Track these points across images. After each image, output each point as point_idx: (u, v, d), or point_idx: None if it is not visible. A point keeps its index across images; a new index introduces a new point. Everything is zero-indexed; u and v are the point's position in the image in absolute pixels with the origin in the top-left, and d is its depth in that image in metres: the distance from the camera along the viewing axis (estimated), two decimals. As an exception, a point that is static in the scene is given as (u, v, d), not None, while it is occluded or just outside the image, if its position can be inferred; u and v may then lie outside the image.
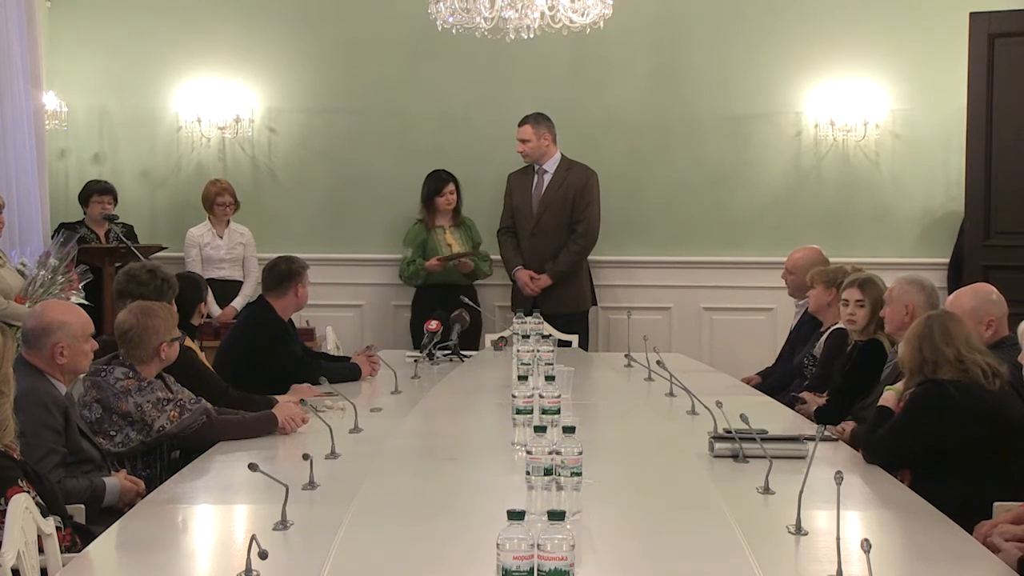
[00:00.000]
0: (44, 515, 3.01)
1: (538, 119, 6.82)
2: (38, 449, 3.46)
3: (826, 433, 3.78)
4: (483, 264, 7.05)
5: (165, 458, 4.03)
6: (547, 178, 6.88)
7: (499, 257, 7.06)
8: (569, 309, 6.83)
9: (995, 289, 4.33)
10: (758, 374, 5.82)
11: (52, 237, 6.83)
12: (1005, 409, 3.67)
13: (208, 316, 6.04)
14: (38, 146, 6.63)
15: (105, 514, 3.48)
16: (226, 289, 6.90)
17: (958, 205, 6.98)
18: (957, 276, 6.77)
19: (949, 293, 4.85)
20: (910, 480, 3.68)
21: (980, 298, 4.25)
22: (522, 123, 6.83)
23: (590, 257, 7.05)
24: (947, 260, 7.05)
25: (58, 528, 3.09)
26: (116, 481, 3.64)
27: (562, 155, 6.90)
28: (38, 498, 3.07)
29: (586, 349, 6.72)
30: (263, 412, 4.19)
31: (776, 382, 5.54)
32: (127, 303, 4.34)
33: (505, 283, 7.15)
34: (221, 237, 7.04)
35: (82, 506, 3.46)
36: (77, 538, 3.19)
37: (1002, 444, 3.62)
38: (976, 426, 3.62)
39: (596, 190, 6.88)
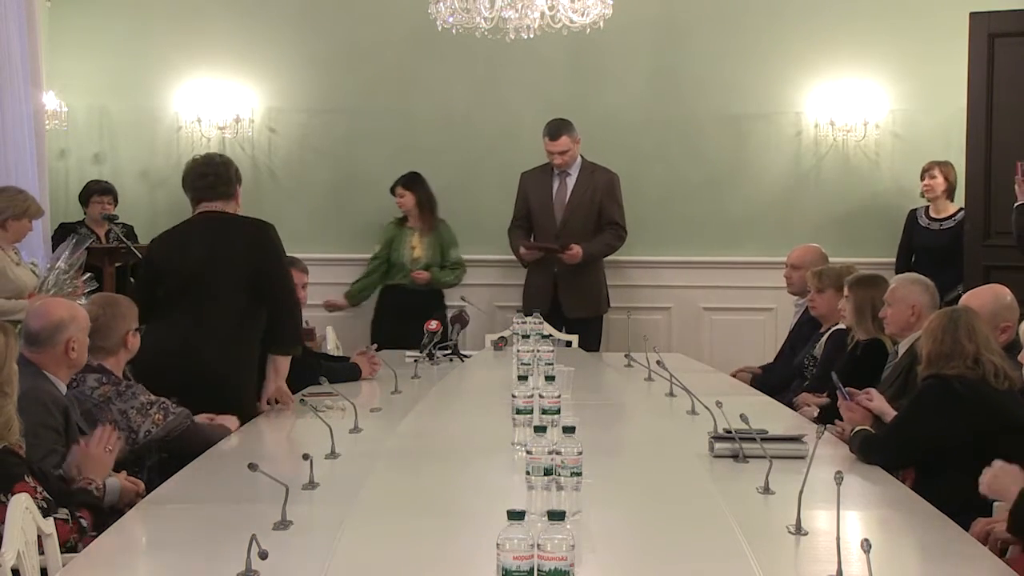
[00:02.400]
0: (52, 511, 3.02)
1: (569, 126, 6.71)
2: (38, 449, 3.45)
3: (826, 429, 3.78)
4: (445, 276, 6.97)
5: (154, 461, 4.01)
6: (571, 181, 6.80)
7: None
8: (590, 312, 6.79)
9: (1009, 291, 4.31)
10: (760, 367, 5.82)
11: (52, 237, 6.85)
12: (1010, 407, 3.65)
13: None
14: (38, 146, 6.63)
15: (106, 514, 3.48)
16: None
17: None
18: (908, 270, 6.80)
19: None
20: (914, 479, 3.68)
21: (998, 302, 4.21)
22: (556, 135, 6.66)
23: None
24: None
25: (65, 521, 3.09)
26: (116, 481, 3.63)
27: (582, 157, 6.86)
28: (45, 494, 3.07)
29: (597, 350, 6.68)
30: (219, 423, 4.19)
31: (776, 382, 5.53)
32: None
33: (505, 283, 7.13)
34: None
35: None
36: (85, 523, 3.18)
37: (1006, 443, 3.60)
38: (980, 422, 3.60)
39: (620, 191, 6.86)
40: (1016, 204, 5.65)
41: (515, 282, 7.09)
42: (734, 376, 5.79)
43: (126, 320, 4.07)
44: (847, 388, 4.14)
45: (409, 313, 6.53)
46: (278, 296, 4.62)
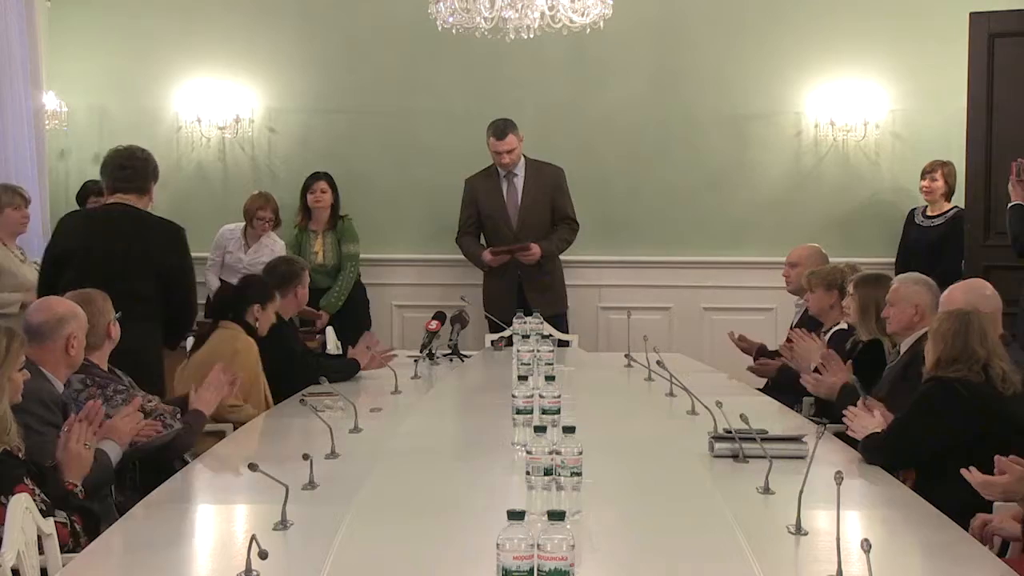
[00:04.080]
0: (50, 514, 3.01)
1: (513, 126, 6.72)
2: (44, 449, 3.43)
3: (826, 428, 3.77)
4: (334, 297, 6.92)
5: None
6: (519, 181, 6.81)
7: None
8: (556, 310, 6.79)
9: (988, 283, 4.35)
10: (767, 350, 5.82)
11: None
12: (1012, 410, 3.64)
13: None
14: (38, 146, 6.64)
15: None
16: None
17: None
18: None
19: None
20: (914, 480, 3.67)
21: (982, 295, 4.24)
22: (503, 134, 6.67)
23: (581, 257, 7.05)
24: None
25: (64, 524, 3.08)
26: (112, 444, 3.62)
27: (524, 156, 6.85)
28: (43, 496, 3.07)
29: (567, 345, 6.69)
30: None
31: (778, 383, 5.52)
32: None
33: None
34: (247, 249, 6.95)
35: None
36: (79, 527, 3.18)
37: (1010, 445, 3.58)
38: (982, 425, 3.58)
39: (567, 185, 6.88)
40: (1010, 204, 5.67)
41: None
42: (739, 343, 5.84)
43: (103, 313, 4.09)
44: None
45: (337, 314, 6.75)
46: (184, 296, 4.98)
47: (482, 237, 6.97)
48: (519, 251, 6.69)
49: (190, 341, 5.17)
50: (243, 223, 7.00)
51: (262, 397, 4.78)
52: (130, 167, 5.00)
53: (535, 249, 6.68)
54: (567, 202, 6.86)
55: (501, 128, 6.71)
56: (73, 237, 4.99)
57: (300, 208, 7.06)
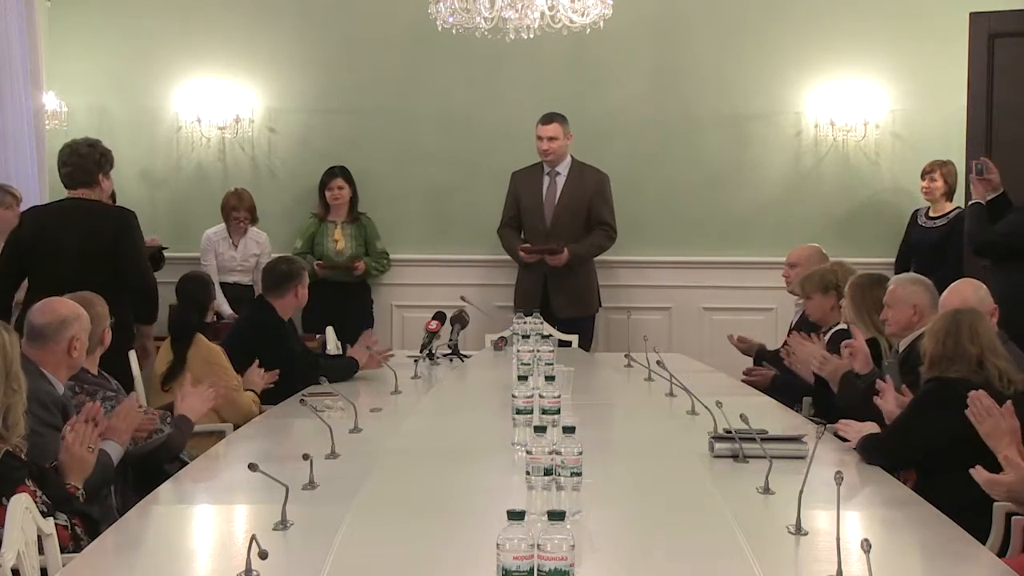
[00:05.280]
0: (51, 515, 3.01)
1: (563, 118, 6.75)
2: (45, 450, 3.43)
3: (826, 430, 3.77)
4: (375, 265, 7.20)
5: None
6: (560, 180, 6.83)
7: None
8: (580, 312, 6.81)
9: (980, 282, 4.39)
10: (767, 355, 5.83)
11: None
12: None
13: (217, 315, 6.28)
14: (38, 146, 6.64)
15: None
16: (236, 293, 6.92)
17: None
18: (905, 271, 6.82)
19: None
20: (915, 480, 3.67)
21: (978, 290, 4.26)
22: (548, 120, 6.73)
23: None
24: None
25: (64, 526, 3.08)
26: (113, 443, 3.62)
27: (572, 157, 6.88)
28: (44, 498, 3.06)
29: (588, 350, 6.70)
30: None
31: (779, 383, 5.52)
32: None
33: (506, 283, 7.12)
34: (236, 246, 7.05)
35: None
36: (79, 529, 3.18)
37: None
38: None
39: (611, 191, 6.89)
40: (970, 203, 5.71)
41: (512, 282, 7.08)
42: (738, 344, 5.89)
43: (101, 319, 4.10)
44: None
45: (337, 306, 6.76)
46: (139, 278, 5.18)
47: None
48: (548, 252, 6.69)
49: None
50: (223, 224, 7.11)
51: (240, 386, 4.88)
52: (70, 164, 5.20)
53: (564, 254, 6.68)
54: (605, 208, 6.85)
55: (548, 116, 6.78)
56: (34, 234, 5.18)
57: (319, 202, 7.17)
